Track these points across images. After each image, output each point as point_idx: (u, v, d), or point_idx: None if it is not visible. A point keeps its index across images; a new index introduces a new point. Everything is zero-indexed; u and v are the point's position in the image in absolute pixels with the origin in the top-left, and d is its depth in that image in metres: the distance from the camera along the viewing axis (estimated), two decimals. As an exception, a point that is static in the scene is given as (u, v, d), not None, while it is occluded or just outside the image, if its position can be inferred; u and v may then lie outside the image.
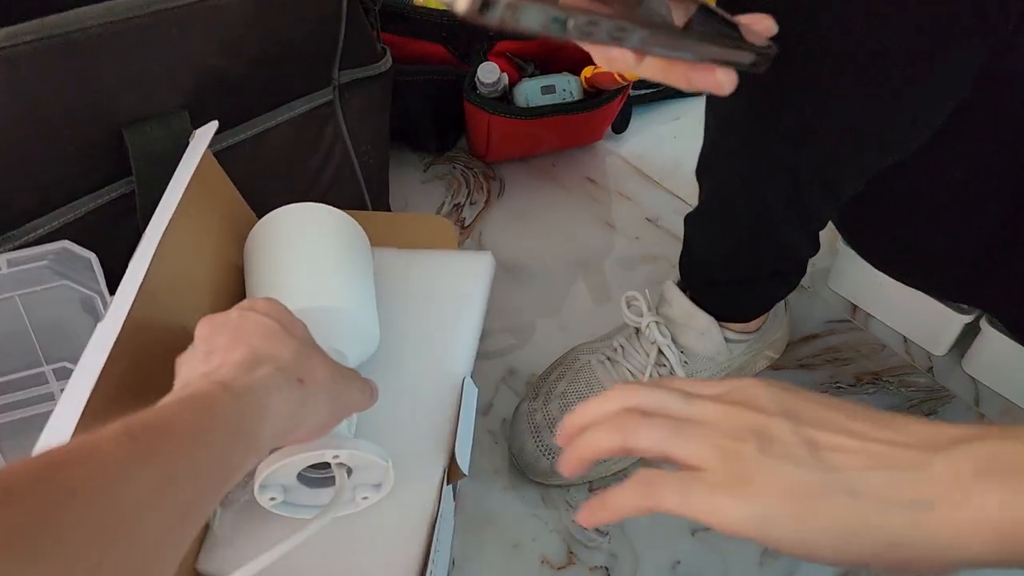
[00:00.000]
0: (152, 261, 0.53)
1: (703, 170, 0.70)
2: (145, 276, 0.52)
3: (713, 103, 0.65)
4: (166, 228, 0.55)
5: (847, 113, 0.56)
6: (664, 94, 1.10)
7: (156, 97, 0.63)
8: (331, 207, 0.67)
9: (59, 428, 0.45)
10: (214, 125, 0.61)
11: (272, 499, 0.58)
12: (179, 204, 0.57)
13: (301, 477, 0.58)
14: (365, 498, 0.60)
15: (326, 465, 0.57)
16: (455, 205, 1.00)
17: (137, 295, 0.51)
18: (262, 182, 0.74)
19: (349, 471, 0.57)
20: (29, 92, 0.58)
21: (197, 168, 0.59)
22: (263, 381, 0.45)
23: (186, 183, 0.57)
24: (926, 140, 0.58)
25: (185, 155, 0.59)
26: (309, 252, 0.65)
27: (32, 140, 0.60)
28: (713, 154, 0.68)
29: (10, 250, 0.62)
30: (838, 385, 0.85)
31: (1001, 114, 0.57)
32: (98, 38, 0.58)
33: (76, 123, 0.60)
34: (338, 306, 0.62)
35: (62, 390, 0.53)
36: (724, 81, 0.43)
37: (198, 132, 0.61)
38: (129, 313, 0.50)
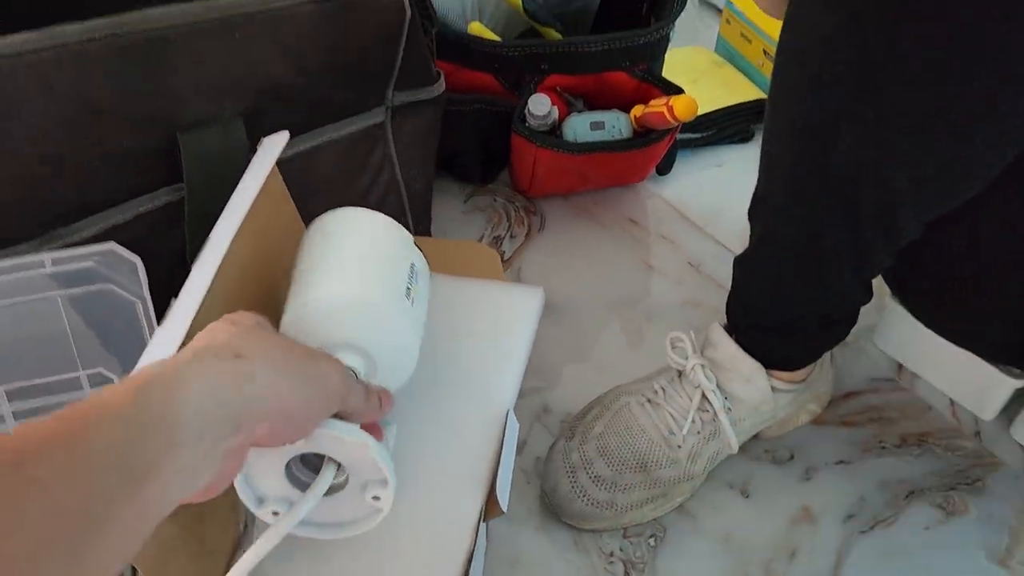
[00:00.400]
0: (219, 270, 0.52)
1: (756, 209, 0.68)
2: (210, 287, 0.51)
3: (770, 136, 0.63)
4: (234, 236, 0.53)
5: (913, 146, 0.54)
6: (709, 140, 1.09)
7: (216, 104, 0.62)
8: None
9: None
10: (285, 135, 0.59)
11: (275, 513, 0.54)
12: (248, 213, 0.55)
13: (299, 483, 0.54)
14: (376, 498, 0.55)
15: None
16: (495, 237, 0.98)
17: (203, 303, 0.49)
18: (309, 200, 0.72)
19: (347, 475, 0.54)
20: (94, 90, 0.57)
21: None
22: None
23: (256, 190, 0.55)
24: (991, 180, 0.56)
25: (253, 162, 0.57)
26: (361, 247, 0.61)
27: (89, 138, 0.59)
28: (767, 191, 0.66)
29: (55, 249, 0.61)
30: (882, 445, 0.82)
31: None
32: (166, 40, 0.57)
33: (135, 124, 0.60)
34: (375, 306, 0.58)
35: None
36: None
37: (266, 140, 0.59)
38: (195, 318, 0.49)
